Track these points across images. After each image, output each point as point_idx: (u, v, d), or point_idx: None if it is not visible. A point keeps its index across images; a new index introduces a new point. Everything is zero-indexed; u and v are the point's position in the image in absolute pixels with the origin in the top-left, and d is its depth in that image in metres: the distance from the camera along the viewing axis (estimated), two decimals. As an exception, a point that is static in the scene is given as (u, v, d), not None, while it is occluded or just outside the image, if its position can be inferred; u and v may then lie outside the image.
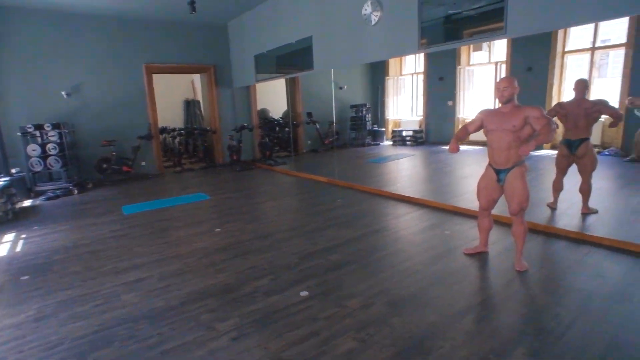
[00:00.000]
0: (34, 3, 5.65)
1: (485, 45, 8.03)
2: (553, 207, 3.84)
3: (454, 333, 1.99)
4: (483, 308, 2.24)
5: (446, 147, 8.90)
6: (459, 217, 3.85)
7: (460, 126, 8.57)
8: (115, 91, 6.71)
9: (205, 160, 8.43)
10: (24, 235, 4.00)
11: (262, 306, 2.35)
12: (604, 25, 6.44)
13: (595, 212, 3.63)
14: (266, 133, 8.73)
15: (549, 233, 3.29)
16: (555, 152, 3.86)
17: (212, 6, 6.33)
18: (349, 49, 4.98)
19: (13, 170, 5.66)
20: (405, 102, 10.06)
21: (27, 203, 5.48)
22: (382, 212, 4.32)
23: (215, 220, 4.22)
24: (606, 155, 6.10)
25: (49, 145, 5.68)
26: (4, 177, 5.33)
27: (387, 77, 10.07)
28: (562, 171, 3.75)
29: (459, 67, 8.41)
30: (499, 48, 7.88)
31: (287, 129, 9.02)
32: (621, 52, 6.22)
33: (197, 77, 9.90)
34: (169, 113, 10.00)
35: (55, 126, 5.75)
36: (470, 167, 5.89)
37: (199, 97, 10.39)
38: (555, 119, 3.71)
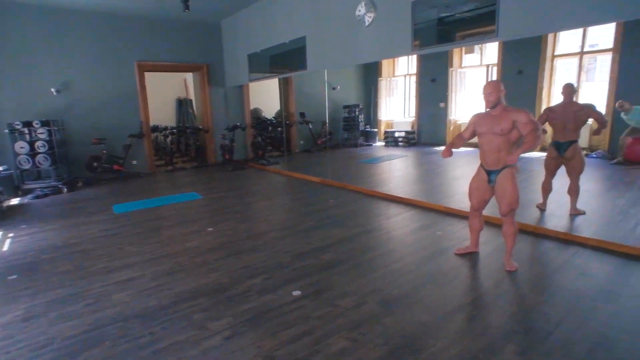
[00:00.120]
0: (23, -2, 5.57)
1: (477, 48, 8.12)
2: (542, 208, 3.91)
3: (445, 332, 2.02)
4: (474, 307, 2.27)
5: (438, 149, 9.01)
6: (450, 218, 3.89)
7: (452, 128, 8.70)
8: (107, 89, 6.63)
9: (198, 159, 8.39)
10: (11, 234, 3.93)
11: (255, 305, 2.35)
12: (592, 31, 6.57)
13: (583, 213, 3.71)
14: (259, 133, 8.71)
15: (538, 234, 3.34)
16: (544, 154, 3.93)
17: (205, 4, 6.30)
18: (342, 50, 5.00)
19: (0, 168, 5.56)
20: (397, 103, 10.13)
21: (14, 201, 5.39)
22: (375, 212, 4.34)
23: (207, 220, 4.20)
24: (593, 157, 6.22)
25: (38, 143, 5.59)
26: (-9, 174, 5.24)
27: (380, 78, 10.13)
28: (551, 173, 3.82)
29: (451, 69, 8.49)
30: (491, 51, 7.98)
31: (279, 129, 9.01)
32: (608, 56, 6.35)
33: (189, 76, 9.84)
34: (161, 111, 9.92)
35: (45, 123, 5.66)
36: (461, 168, 5.95)
37: (192, 96, 10.33)
38: (545, 124, 3.78)
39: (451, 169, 6.39)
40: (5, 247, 3.56)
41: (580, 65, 6.71)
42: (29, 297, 2.58)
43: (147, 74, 7.12)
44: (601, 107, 6.39)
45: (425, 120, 9.22)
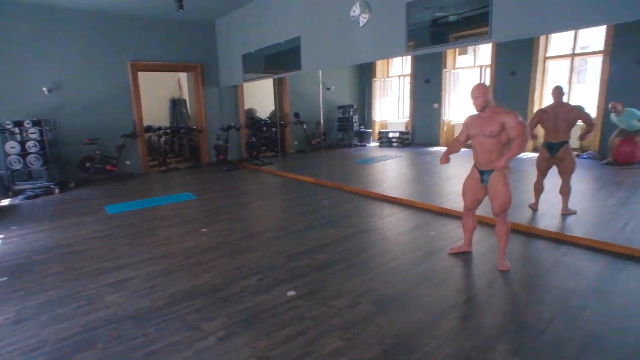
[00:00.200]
0: (14, -4, 5.50)
1: (470, 49, 8.19)
2: (534, 208, 3.95)
3: (438, 331, 2.03)
4: (467, 306, 2.29)
5: (432, 149, 9.05)
6: (444, 218, 3.92)
7: (445, 128, 8.75)
8: (100, 88, 6.58)
9: (192, 159, 8.34)
10: (1, 236, 3.88)
11: (249, 306, 2.35)
12: (583, 33, 6.66)
13: (574, 213, 3.75)
14: (253, 133, 8.69)
15: (530, 233, 3.38)
16: (536, 154, 3.98)
17: (199, 4, 6.27)
18: (337, 50, 5.01)
19: (-9, 168, 5.49)
20: (391, 103, 10.17)
21: (5, 202, 5.32)
22: (369, 212, 4.36)
23: (201, 220, 4.18)
24: (584, 158, 6.30)
25: (29, 143, 5.53)
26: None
27: (374, 79, 10.16)
28: (542, 173, 3.86)
29: (445, 70, 8.55)
30: (484, 52, 8.05)
31: (274, 129, 9.00)
32: (599, 58, 6.44)
33: (183, 76, 9.79)
34: (154, 111, 9.84)
35: (36, 123, 5.60)
36: (455, 168, 5.99)
37: (186, 96, 10.26)
38: (537, 128, 3.83)
39: (445, 170, 6.42)
40: (-4, 249, 3.52)
41: (571, 67, 6.80)
42: (20, 299, 2.55)
43: (140, 74, 7.07)
44: (592, 109, 6.48)
45: (419, 120, 9.27)
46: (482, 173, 2.77)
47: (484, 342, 1.92)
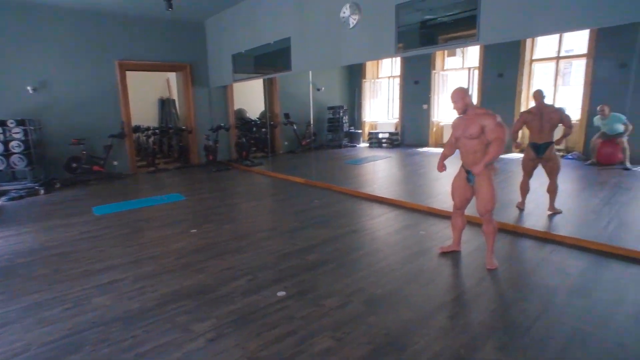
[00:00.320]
0: (-3, -7, 5.38)
1: (459, 51, 8.29)
2: (521, 207, 4.02)
3: (428, 329, 2.06)
4: (455, 305, 2.32)
5: (421, 150, 9.12)
6: (433, 218, 3.96)
7: (434, 129, 8.84)
8: (86, 88, 6.47)
9: (181, 160, 8.27)
10: (-15, 238, 3.80)
11: (239, 306, 2.34)
12: (568, 37, 6.80)
13: (560, 212, 3.83)
14: (243, 133, 8.66)
15: (517, 232, 3.44)
16: (521, 155, 4.05)
17: (188, 3, 6.23)
18: (327, 51, 5.03)
19: (-27, 169, 5.36)
20: (381, 104, 10.24)
21: (-12, 203, 5.20)
22: (359, 212, 4.38)
23: (191, 221, 4.15)
24: (569, 159, 6.43)
25: (13, 143, 5.41)
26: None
27: (364, 80, 10.21)
28: (528, 174, 3.94)
29: (434, 71, 8.64)
30: (472, 54, 8.15)
31: (264, 130, 8.98)
32: (583, 62, 6.58)
33: (172, 76, 9.70)
34: (143, 111, 9.72)
35: (20, 122, 5.49)
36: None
37: (175, 96, 10.17)
38: (521, 133, 3.92)
39: (434, 170, 6.48)
40: (-22, 251, 3.43)
41: (556, 70, 6.93)
42: (3, 302, 2.49)
43: (128, 73, 6.98)
44: (576, 111, 6.63)
45: (409, 121, 9.35)
46: (468, 173, 2.81)
47: (473, 340, 1.95)
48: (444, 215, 3.93)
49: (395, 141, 9.27)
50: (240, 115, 9.78)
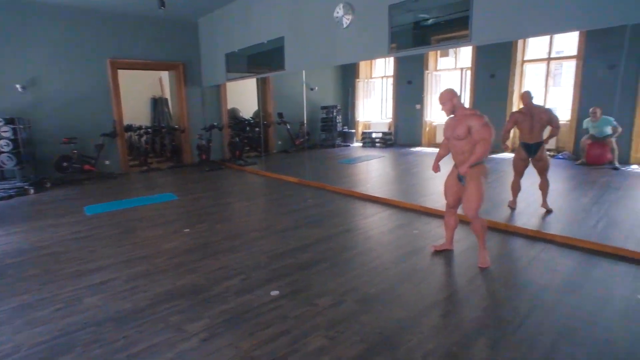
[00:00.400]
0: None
1: (451, 51, 8.36)
2: (512, 207, 4.07)
3: (421, 327, 2.07)
4: (448, 303, 2.34)
5: (414, 149, 9.16)
6: (426, 217, 3.99)
7: (427, 129, 8.89)
8: (77, 86, 6.40)
9: (173, 159, 8.21)
10: (-27, 238, 3.74)
11: (232, 306, 2.33)
12: (558, 38, 6.89)
13: (551, 211, 3.89)
14: (236, 133, 8.62)
15: (508, 231, 3.48)
16: (512, 155, 4.10)
17: (181, 2, 6.19)
18: (320, 51, 5.03)
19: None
20: (375, 104, 10.27)
21: (-24, 203, 5.11)
22: (352, 212, 4.39)
23: (184, 221, 4.13)
24: (560, 158, 6.52)
25: (1, 142, 5.33)
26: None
27: (358, 80, 10.24)
28: (519, 173, 3.98)
29: (427, 71, 8.70)
30: (465, 55, 8.22)
31: (257, 129, 8.95)
32: (573, 63, 6.68)
33: (165, 74, 9.62)
34: (135, 110, 9.63)
35: (9, 121, 5.40)
36: (436, 168, 6.10)
37: (167, 95, 10.09)
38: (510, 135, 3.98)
39: (427, 169, 6.53)
40: (-33, 252, 3.38)
41: (547, 71, 7.02)
42: (-7, 303, 2.46)
43: (120, 72, 6.92)
44: (567, 111, 6.72)
45: (402, 121, 9.39)
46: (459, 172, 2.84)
47: (465, 338, 1.97)
48: (437, 215, 3.96)
49: (389, 141, 9.30)
50: (233, 114, 9.74)
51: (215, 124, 7.67)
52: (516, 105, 7.36)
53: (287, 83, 9.00)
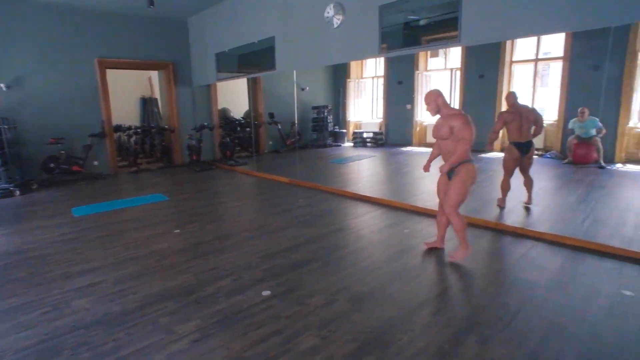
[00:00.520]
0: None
1: (441, 52, 8.43)
2: (502, 205, 4.12)
3: (412, 325, 2.09)
4: (439, 301, 2.36)
5: (405, 149, 9.20)
6: (417, 216, 4.01)
7: (418, 129, 8.95)
8: (65, 86, 6.29)
9: (163, 160, 8.13)
10: (-44, 241, 3.65)
11: (224, 307, 2.32)
12: (545, 39, 7.00)
13: (530, 204, 4.04)
14: (227, 133, 8.57)
15: (498, 230, 3.52)
16: (502, 154, 4.15)
17: (171, 1, 6.13)
18: (311, 51, 5.03)
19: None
20: (365, 104, 10.30)
21: (-41, 205, 5.00)
22: (343, 211, 4.40)
23: (174, 222, 4.09)
24: (548, 158, 6.62)
25: (-14, 143, 5.22)
26: None
27: (349, 80, 10.26)
28: (510, 173, 4.03)
29: (417, 72, 8.75)
30: (454, 56, 8.29)
31: (248, 129, 8.91)
32: (560, 64, 6.79)
33: (154, 74, 9.52)
34: (124, 110, 9.50)
35: (-6, 122, 5.30)
36: (427, 168, 6.15)
37: (157, 95, 9.99)
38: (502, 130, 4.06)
39: (417, 169, 6.58)
40: (-50, 255, 3.30)
41: (535, 71, 7.12)
42: (-22, 307, 2.41)
43: (109, 71, 6.83)
44: (553, 111, 6.83)
45: (393, 121, 9.44)
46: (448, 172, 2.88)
47: (455, 335, 1.99)
48: (428, 214, 3.99)
49: (380, 141, 9.34)
50: (224, 114, 9.68)
51: (205, 124, 7.61)
52: (505, 105, 7.45)
53: (278, 83, 8.97)
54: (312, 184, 5.55)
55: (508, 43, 7.29)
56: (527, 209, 4.01)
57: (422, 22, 3.87)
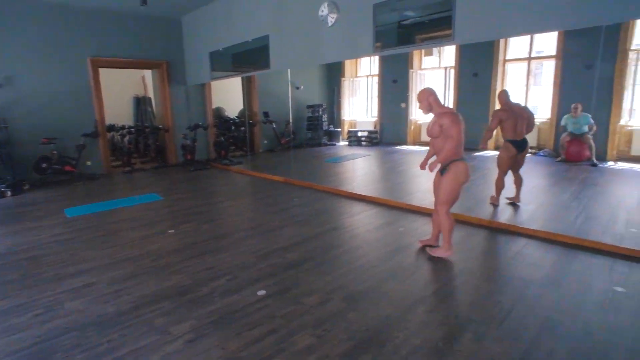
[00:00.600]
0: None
1: (435, 50, 8.45)
2: (496, 203, 4.14)
3: (407, 324, 2.09)
4: (434, 299, 2.37)
5: (400, 148, 9.24)
6: (412, 215, 4.03)
7: (412, 127, 8.98)
8: (57, 85, 6.22)
9: (158, 160, 8.07)
10: (-53, 242, 3.60)
11: (219, 307, 2.31)
12: (538, 38, 7.05)
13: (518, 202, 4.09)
14: (221, 132, 8.54)
15: (492, 227, 3.54)
16: (497, 152, 4.18)
17: (163, -1, 6.09)
18: (305, 50, 5.02)
19: None
20: (360, 103, 10.31)
21: (-50, 207, 4.93)
22: (339, 210, 4.40)
23: (169, 222, 4.07)
24: (541, 156, 6.67)
25: (-23, 143, 5.15)
26: None
27: (343, 79, 10.26)
28: (505, 171, 4.06)
29: (412, 70, 8.78)
30: (448, 54, 8.33)
31: (243, 128, 8.88)
32: (552, 62, 6.84)
33: (148, 73, 9.46)
34: (117, 110, 9.43)
35: (-16, 122, 5.23)
36: (422, 166, 6.17)
37: (151, 94, 9.91)
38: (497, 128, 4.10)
39: (412, 167, 6.60)
40: (-60, 257, 3.26)
41: (528, 70, 7.17)
42: (-31, 309, 2.38)
43: (102, 70, 6.76)
44: (547, 109, 6.89)
45: (388, 120, 9.46)
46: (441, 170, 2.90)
47: (450, 333, 2.00)
48: (423, 212, 4.01)
49: (374, 139, 9.35)
50: (218, 113, 9.64)
51: (200, 123, 7.57)
52: (499, 103, 7.50)
53: (272, 82, 8.95)
54: (307, 183, 5.55)
55: (501, 42, 7.34)
56: (515, 206, 4.05)
57: (416, 21, 3.87)
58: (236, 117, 9.83)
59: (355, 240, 3.43)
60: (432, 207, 3.12)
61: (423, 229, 3.58)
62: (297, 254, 3.08)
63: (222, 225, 3.97)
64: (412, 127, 8.95)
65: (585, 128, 5.88)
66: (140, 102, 10.30)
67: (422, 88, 2.88)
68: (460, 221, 3.66)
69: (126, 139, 8.39)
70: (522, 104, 4.10)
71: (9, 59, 5.76)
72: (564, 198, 4.39)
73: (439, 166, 2.90)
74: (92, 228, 3.90)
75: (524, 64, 7.27)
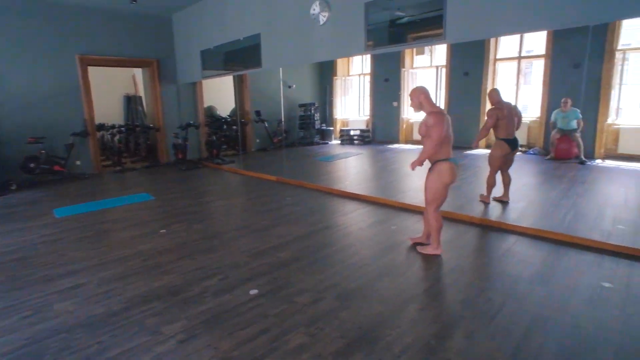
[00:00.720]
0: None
1: (427, 49, 8.48)
2: (487, 201, 4.18)
3: (399, 321, 2.10)
4: (426, 297, 2.39)
5: (392, 146, 9.27)
6: (404, 213, 4.04)
7: (404, 126, 9.02)
8: (44, 83, 6.12)
9: (149, 159, 8.00)
10: None
11: (210, 306, 2.30)
12: (528, 37, 7.13)
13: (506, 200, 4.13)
14: (213, 131, 8.48)
15: (483, 225, 3.57)
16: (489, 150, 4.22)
17: (153, -3, 6.02)
18: (297, 48, 5.01)
19: None
20: (352, 102, 10.32)
21: None
22: (331, 209, 4.41)
23: (160, 222, 4.03)
24: (531, 154, 6.75)
25: (-38, 142, 5.05)
26: None
27: (335, 77, 10.26)
28: (496, 169, 4.09)
29: (403, 69, 8.81)
30: (440, 53, 8.37)
31: (234, 127, 8.83)
32: (542, 62, 6.92)
33: (138, 71, 9.35)
34: (107, 109, 9.31)
35: (-30, 121, 5.12)
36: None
37: (141, 93, 9.81)
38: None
39: (404, 166, 6.63)
40: None
41: (518, 69, 7.25)
42: (-46, 312, 2.33)
43: (91, 69, 6.67)
44: (536, 108, 6.97)
45: (380, 118, 9.48)
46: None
47: (442, 330, 2.02)
48: (415, 210, 4.03)
49: (367, 138, 9.37)
50: (210, 112, 9.57)
51: (191, 122, 7.52)
52: (490, 102, 7.56)
53: (264, 81, 8.92)
54: (299, 181, 5.54)
55: (492, 41, 7.40)
56: (505, 204, 4.09)
57: (407, 20, 3.89)
58: (228, 116, 9.78)
59: (347, 239, 3.43)
60: (423, 205, 3.13)
61: (415, 227, 3.60)
62: (289, 253, 3.07)
63: (214, 224, 3.95)
64: (404, 126, 8.99)
65: (574, 124, 5.96)
66: (131, 101, 10.19)
67: (415, 86, 2.89)
68: (452, 219, 3.69)
69: (116, 138, 8.29)
70: (512, 103, 4.15)
71: (-6, 57, 5.66)
72: (553, 195, 4.45)
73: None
74: (82, 228, 3.85)
75: (514, 63, 7.34)
